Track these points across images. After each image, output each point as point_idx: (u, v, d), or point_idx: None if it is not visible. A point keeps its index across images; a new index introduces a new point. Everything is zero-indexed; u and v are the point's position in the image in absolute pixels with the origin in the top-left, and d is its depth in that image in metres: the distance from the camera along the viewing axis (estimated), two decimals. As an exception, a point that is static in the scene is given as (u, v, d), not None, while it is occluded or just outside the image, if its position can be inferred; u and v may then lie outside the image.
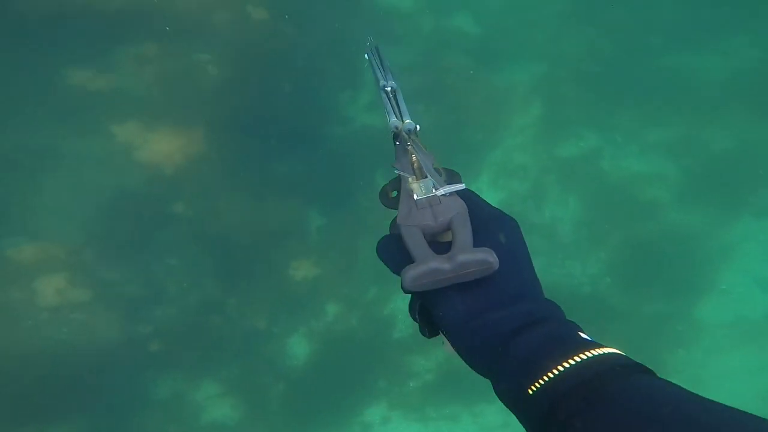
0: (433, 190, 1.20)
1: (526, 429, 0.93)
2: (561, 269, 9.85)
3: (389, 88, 1.50)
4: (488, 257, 1.02)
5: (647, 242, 9.96)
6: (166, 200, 8.66)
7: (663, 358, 9.41)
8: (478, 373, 1.03)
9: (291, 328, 9.25)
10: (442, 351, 1.35)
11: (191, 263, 8.71)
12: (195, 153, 9.10)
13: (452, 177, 1.34)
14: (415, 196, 1.19)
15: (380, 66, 1.64)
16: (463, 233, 1.09)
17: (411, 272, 1.07)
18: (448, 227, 1.16)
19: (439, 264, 1.03)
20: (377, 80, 1.58)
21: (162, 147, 8.73)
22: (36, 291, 6.97)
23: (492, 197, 10.25)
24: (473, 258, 1.02)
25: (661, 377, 1.02)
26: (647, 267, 9.74)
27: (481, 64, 11.76)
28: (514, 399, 0.90)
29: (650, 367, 1.05)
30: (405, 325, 9.97)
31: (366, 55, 1.82)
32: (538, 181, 10.65)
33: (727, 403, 0.90)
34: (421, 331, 1.23)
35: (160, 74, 9.21)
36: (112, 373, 7.19)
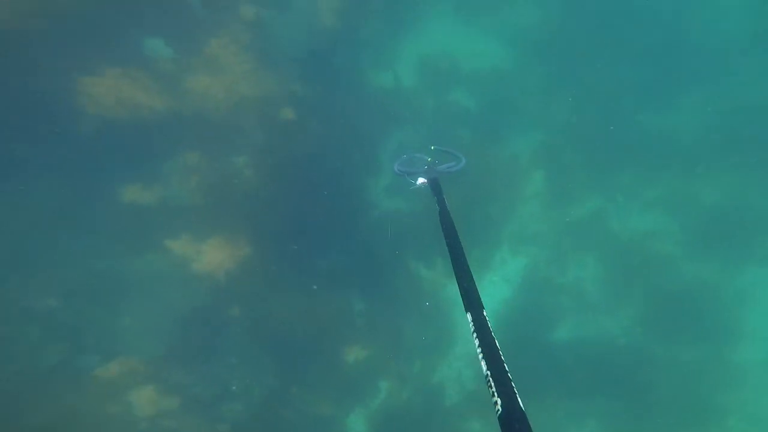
0: None
1: None
2: (594, 325, 10.62)
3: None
4: None
5: (667, 293, 10.82)
6: (224, 305, 9.36)
7: (716, 400, 10.12)
8: None
9: (349, 408, 9.81)
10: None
11: (252, 360, 9.33)
12: (243, 257, 9.84)
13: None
14: None
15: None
16: None
17: None
18: None
19: None
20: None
21: (213, 256, 9.48)
22: (131, 404, 7.55)
23: (516, 264, 11.05)
24: None
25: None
26: (673, 316, 10.56)
27: (482, 137, 12.94)
28: None
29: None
30: (454, 391, 10.54)
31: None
32: (556, 245, 11.58)
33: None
34: None
35: (202, 182, 9.96)
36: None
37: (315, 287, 10.32)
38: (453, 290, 11.99)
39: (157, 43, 9.22)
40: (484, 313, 3.72)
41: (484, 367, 3.26)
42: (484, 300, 12.11)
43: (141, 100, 8.96)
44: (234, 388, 9.00)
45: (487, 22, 14.51)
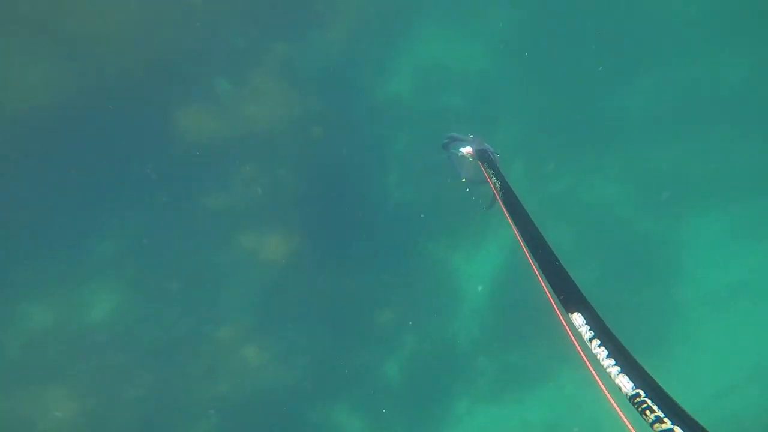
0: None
1: None
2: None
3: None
4: None
5: (626, 247, 13.81)
6: (285, 285, 12.17)
7: (664, 332, 13.14)
8: None
9: (384, 357, 12.70)
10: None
11: (310, 324, 12.17)
12: (295, 247, 12.64)
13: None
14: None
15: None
16: None
17: None
18: None
19: None
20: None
21: (273, 247, 12.23)
22: (244, 357, 10.48)
23: (506, 234, 13.78)
24: None
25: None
26: (630, 265, 13.59)
27: (470, 131, 15.59)
28: None
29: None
30: (463, 340, 13.43)
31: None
32: (538, 217, 14.27)
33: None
34: None
35: (255, 188, 12.60)
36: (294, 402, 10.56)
37: (352, 266, 13.08)
38: (456, 261, 14.84)
39: (221, 80, 11.93)
40: (593, 308, 2.54)
41: (628, 385, 2.08)
42: (485, 267, 15.20)
43: (212, 125, 11.67)
44: (301, 345, 11.83)
45: (469, 27, 16.99)
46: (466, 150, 6.01)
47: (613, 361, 2.17)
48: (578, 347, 2.36)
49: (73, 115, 10.71)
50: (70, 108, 10.59)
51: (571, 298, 2.65)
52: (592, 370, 2.15)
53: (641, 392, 1.97)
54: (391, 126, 15.29)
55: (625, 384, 2.05)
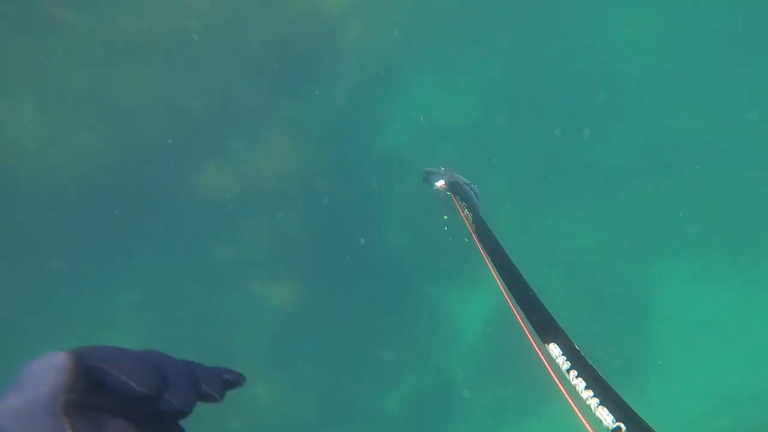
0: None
1: None
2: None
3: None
4: None
5: (604, 288, 15.04)
6: (294, 326, 13.16)
7: (638, 365, 14.40)
8: None
9: (385, 392, 13.62)
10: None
11: (318, 360, 13.08)
12: (303, 292, 13.66)
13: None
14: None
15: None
16: None
17: None
18: None
19: None
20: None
21: (282, 293, 13.26)
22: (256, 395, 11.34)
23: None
24: None
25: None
26: (607, 304, 14.76)
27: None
28: None
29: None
30: (460, 376, 14.41)
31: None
32: (525, 260, 15.53)
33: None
34: None
35: (262, 239, 13.65)
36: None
37: (355, 309, 14.10)
38: (452, 302, 15.98)
39: (234, 140, 13.14)
40: (569, 338, 2.52)
41: (608, 418, 2.01)
42: (481, 308, 16.44)
43: (225, 182, 12.81)
44: (308, 382, 12.76)
45: (460, 81, 18.40)
46: (439, 183, 5.89)
47: (591, 393, 2.10)
48: (555, 378, 2.35)
49: (102, 175, 11.81)
50: (101, 169, 11.71)
51: (547, 328, 2.63)
52: (570, 401, 2.14)
53: (622, 426, 1.90)
54: (388, 176, 16.54)
55: (605, 417, 1.98)
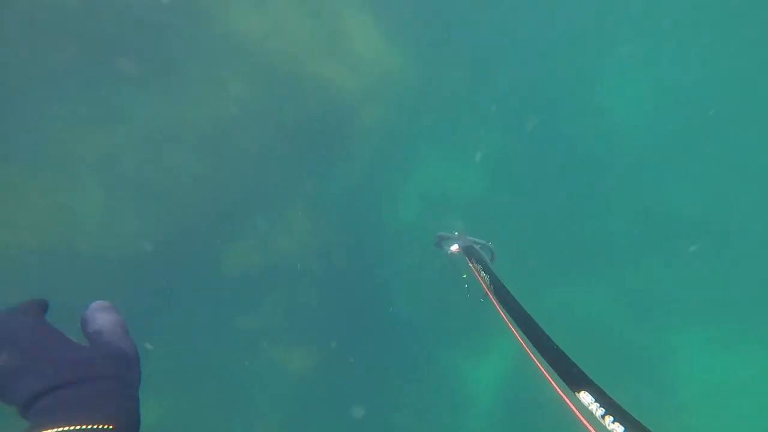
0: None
1: None
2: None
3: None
4: None
5: (618, 354, 15.22)
6: (312, 389, 13.56)
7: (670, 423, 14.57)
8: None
9: None
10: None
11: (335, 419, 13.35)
12: (319, 359, 14.07)
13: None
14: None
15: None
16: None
17: None
18: None
19: None
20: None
21: (300, 360, 13.70)
22: None
23: (509, 345, 15.08)
24: None
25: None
26: (623, 370, 14.94)
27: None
28: None
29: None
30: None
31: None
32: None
33: None
34: None
35: (282, 309, 14.27)
36: None
37: (369, 374, 14.46)
38: (465, 367, 16.18)
39: (261, 221, 14.13)
40: (599, 386, 2.51)
41: None
42: (494, 371, 16.73)
43: (250, 259, 13.71)
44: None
45: (468, 157, 19.36)
46: (454, 248, 6.05)
47: None
48: (590, 427, 2.30)
49: (145, 254, 12.90)
50: (146, 246, 12.84)
51: (576, 378, 2.61)
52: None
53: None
54: (400, 246, 17.25)
55: None
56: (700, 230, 16.64)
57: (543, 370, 2.99)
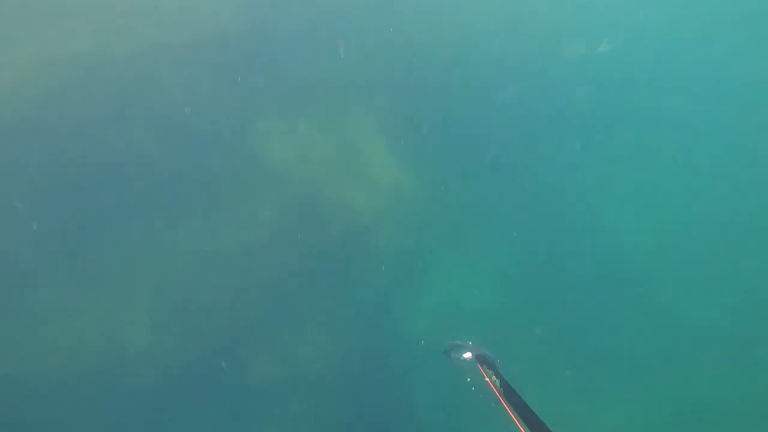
0: None
1: None
2: None
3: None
4: None
5: None
6: None
7: None
8: None
9: None
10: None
11: None
12: None
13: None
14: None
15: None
16: None
17: None
18: None
19: None
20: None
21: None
22: None
23: None
24: None
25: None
26: None
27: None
28: None
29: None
30: None
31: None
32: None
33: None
34: None
35: (303, 421, 14.90)
36: None
37: None
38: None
39: (284, 337, 15.32)
40: None
41: None
42: None
43: (274, 372, 14.75)
44: None
45: (480, 269, 20.21)
46: (467, 355, 6.99)
47: None
48: None
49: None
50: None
51: None
52: None
53: None
54: (416, 359, 17.82)
55: None
56: (718, 341, 16.73)
57: None
